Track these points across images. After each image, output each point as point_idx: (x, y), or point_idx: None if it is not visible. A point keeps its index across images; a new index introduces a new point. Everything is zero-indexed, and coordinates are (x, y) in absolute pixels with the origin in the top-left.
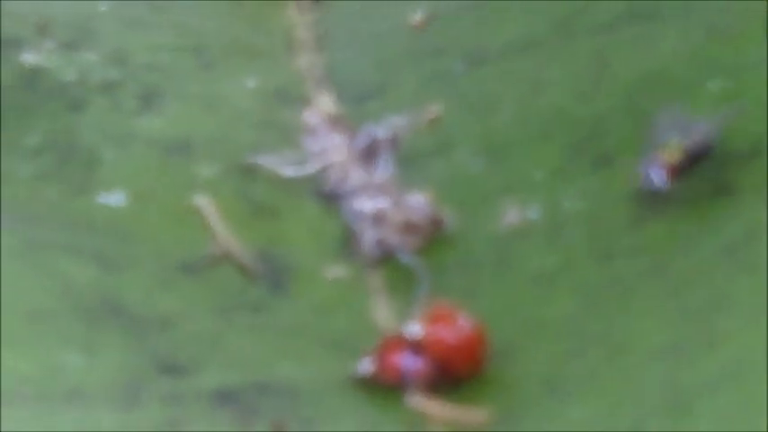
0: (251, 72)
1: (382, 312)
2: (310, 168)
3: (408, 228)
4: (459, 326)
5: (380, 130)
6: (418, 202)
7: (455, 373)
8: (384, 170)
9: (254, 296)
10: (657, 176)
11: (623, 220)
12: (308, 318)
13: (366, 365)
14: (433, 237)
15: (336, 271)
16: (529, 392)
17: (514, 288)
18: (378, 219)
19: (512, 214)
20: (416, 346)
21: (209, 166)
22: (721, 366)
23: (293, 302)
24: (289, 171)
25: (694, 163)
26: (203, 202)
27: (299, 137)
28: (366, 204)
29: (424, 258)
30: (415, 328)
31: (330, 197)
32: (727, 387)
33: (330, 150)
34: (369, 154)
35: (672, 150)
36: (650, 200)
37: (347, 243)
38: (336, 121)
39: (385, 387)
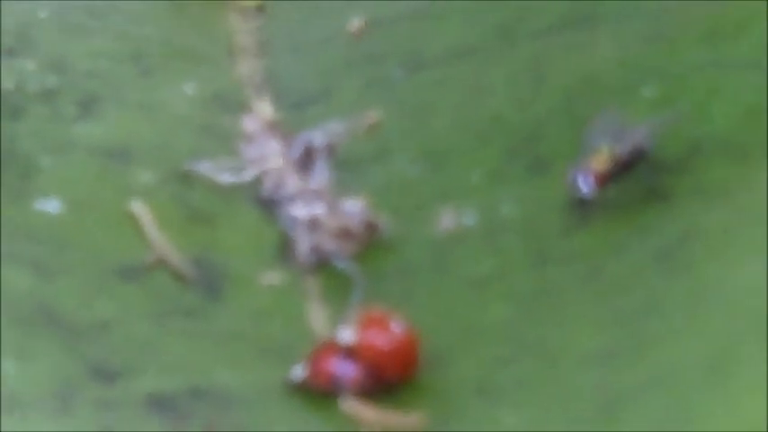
0: (190, 78)
1: (318, 318)
2: (247, 175)
3: (344, 234)
4: (391, 331)
5: (317, 137)
6: (354, 207)
7: (388, 379)
8: (320, 176)
9: (190, 302)
10: (585, 183)
11: (558, 226)
12: (244, 324)
13: (299, 371)
14: (369, 242)
15: (272, 277)
16: (461, 398)
17: (450, 293)
18: (313, 225)
19: (448, 220)
20: (349, 352)
21: (147, 173)
22: (652, 371)
23: (229, 308)
24: (226, 178)
25: (625, 169)
26: (140, 208)
27: (238, 143)
28: (302, 210)
29: (360, 264)
30: (348, 334)
31: (267, 204)
32: (658, 391)
33: (267, 157)
34: (306, 160)
35: (601, 157)
36: (580, 207)
37: (283, 249)
38: (275, 128)
39: (318, 392)
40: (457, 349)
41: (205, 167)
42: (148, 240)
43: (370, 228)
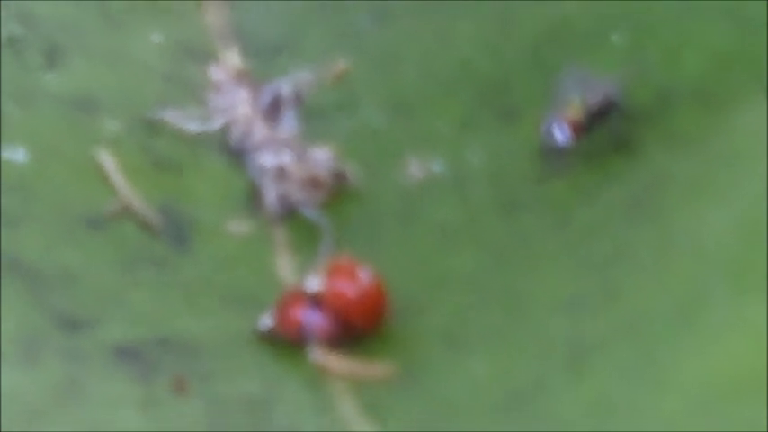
0: (158, 27)
1: (286, 267)
2: (215, 124)
3: (312, 183)
4: (358, 280)
5: (285, 86)
6: (322, 156)
7: (355, 327)
8: (288, 125)
9: (157, 251)
10: (560, 133)
11: (527, 174)
12: (211, 273)
13: (266, 320)
14: (336, 191)
15: (240, 226)
16: (429, 347)
17: (418, 242)
18: (281, 174)
19: (416, 168)
20: (316, 301)
21: (114, 122)
22: (621, 319)
23: (196, 257)
24: (193, 126)
25: (597, 120)
26: (106, 157)
27: (205, 93)
28: (269, 159)
29: (328, 213)
30: (315, 283)
31: (234, 153)
32: (627, 339)
33: (235, 106)
34: (273, 109)
35: (574, 107)
36: (553, 156)
37: (251, 198)
38: (242, 77)
39: (286, 341)
40: (425, 298)
41: (172, 116)
42: (115, 189)
43: (338, 177)
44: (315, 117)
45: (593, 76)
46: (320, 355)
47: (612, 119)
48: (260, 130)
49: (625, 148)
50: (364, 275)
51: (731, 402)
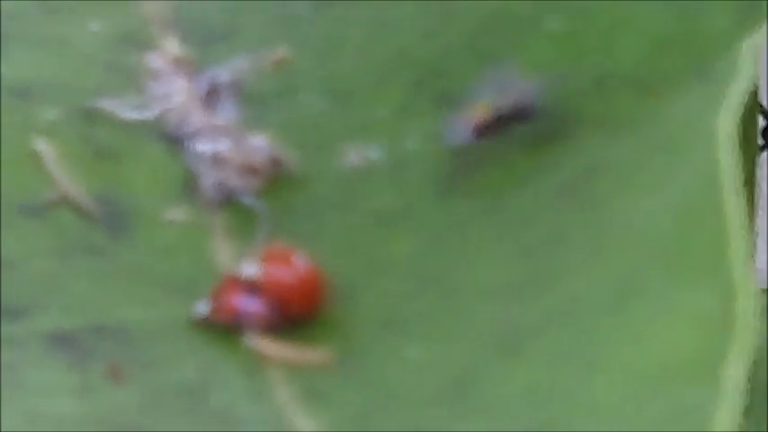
0: (97, 16)
1: (223, 254)
2: (153, 112)
3: (249, 169)
4: (294, 266)
5: (223, 73)
6: (259, 143)
7: (292, 314)
8: (226, 113)
9: (94, 239)
10: (460, 132)
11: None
12: (148, 260)
13: (203, 307)
14: (274, 178)
15: (177, 214)
16: (366, 333)
17: (355, 228)
18: (218, 161)
19: (354, 155)
20: (253, 287)
21: (52, 111)
22: (556, 304)
23: (133, 245)
24: (131, 115)
25: (506, 123)
26: (43, 145)
27: (144, 81)
28: (206, 147)
29: (266, 200)
30: (251, 269)
31: (172, 140)
32: (562, 324)
33: (173, 94)
34: (211, 97)
35: (481, 108)
36: (459, 155)
37: (188, 186)
38: (181, 65)
39: (222, 328)
40: (362, 284)
41: (110, 105)
42: (52, 178)
43: (276, 163)
44: (253, 104)
45: (513, 78)
46: (257, 342)
47: (526, 123)
48: (197, 118)
49: (562, 132)
50: (300, 262)
51: (665, 388)
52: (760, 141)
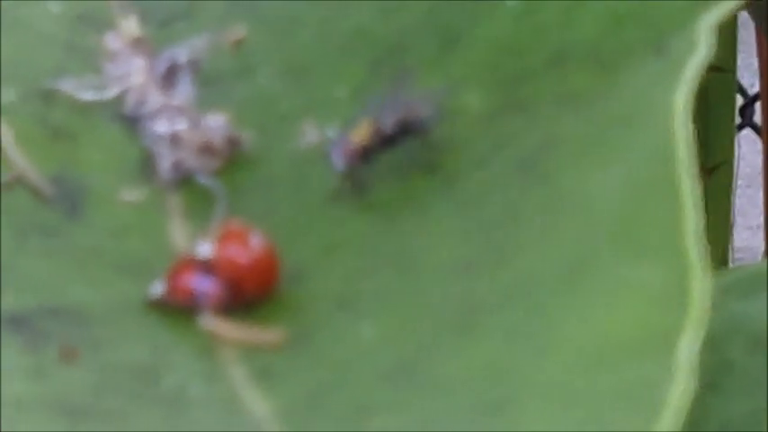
0: None
1: (179, 235)
2: (110, 92)
3: (206, 149)
4: (249, 245)
5: (181, 53)
6: (216, 123)
7: (247, 294)
8: (184, 93)
9: (49, 221)
10: (338, 158)
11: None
12: (104, 241)
13: (158, 288)
14: (231, 158)
15: (134, 194)
16: (322, 312)
17: (312, 207)
18: (175, 141)
19: (311, 134)
20: (208, 267)
21: (8, 91)
22: (511, 281)
23: (88, 226)
24: (88, 95)
25: (388, 144)
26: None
27: (102, 61)
28: (163, 127)
29: (223, 180)
30: (205, 248)
31: (129, 121)
32: (517, 301)
33: (131, 74)
34: (169, 77)
35: (363, 130)
36: (343, 179)
37: (145, 166)
38: (139, 45)
39: (178, 309)
40: (317, 263)
41: (67, 85)
42: (8, 159)
43: (233, 143)
44: (211, 84)
45: (400, 96)
46: (211, 322)
47: (413, 142)
48: (155, 98)
49: (518, 107)
50: (255, 241)
51: (618, 364)
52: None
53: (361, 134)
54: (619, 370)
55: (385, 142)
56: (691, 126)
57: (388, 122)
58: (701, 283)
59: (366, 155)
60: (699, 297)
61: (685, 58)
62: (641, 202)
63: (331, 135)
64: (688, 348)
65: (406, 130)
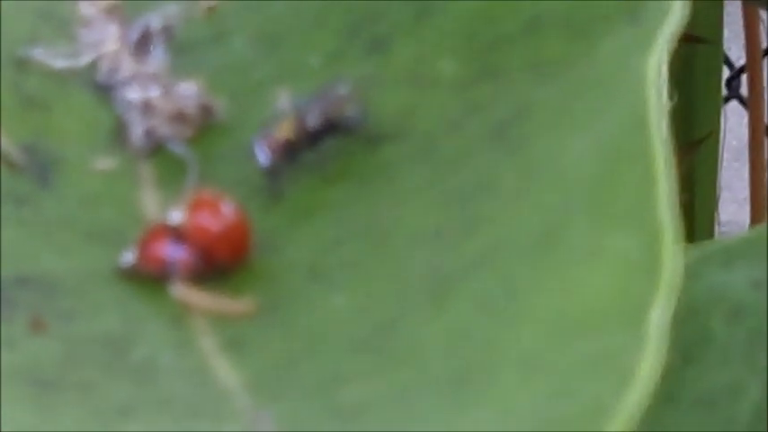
0: None
1: (151, 203)
2: (83, 60)
3: (179, 117)
4: (221, 213)
5: (154, 20)
6: (189, 90)
7: (218, 262)
8: (156, 60)
9: (20, 189)
10: (262, 154)
11: (394, 104)
12: (75, 210)
13: (129, 257)
14: (204, 126)
15: (106, 162)
16: (293, 281)
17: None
18: (147, 108)
19: (285, 102)
20: (179, 235)
21: None
22: (483, 249)
23: (59, 195)
24: (61, 63)
25: (312, 141)
26: None
27: (75, 28)
28: (136, 94)
29: (195, 148)
30: (177, 216)
31: (102, 88)
32: (489, 269)
33: (104, 41)
34: (142, 44)
35: (285, 126)
36: (268, 176)
37: (117, 134)
38: (112, 12)
39: (149, 278)
40: (288, 232)
41: (40, 54)
42: None
43: (206, 111)
44: (184, 51)
45: (326, 93)
46: (182, 291)
47: (340, 136)
48: (128, 66)
49: (491, 75)
50: (227, 209)
51: (589, 333)
52: (724, 92)
53: (284, 131)
54: (589, 339)
55: (309, 139)
56: (664, 93)
57: (312, 119)
58: (672, 251)
59: (289, 151)
60: (670, 265)
61: (659, 24)
62: (614, 169)
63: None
64: (659, 317)
65: (330, 128)
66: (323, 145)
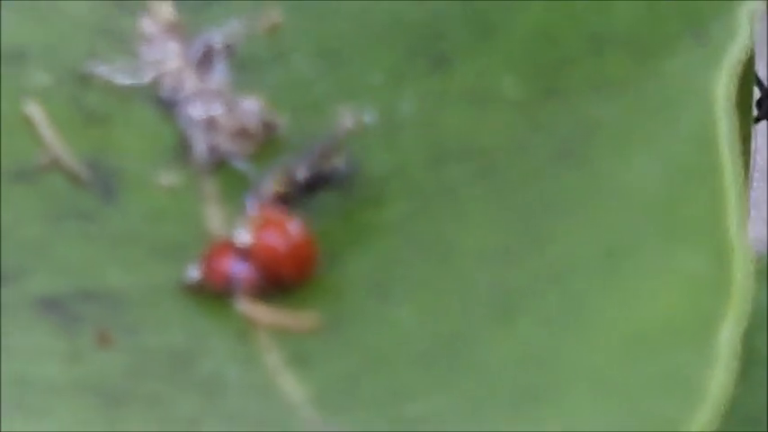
0: None
1: (214, 219)
2: (145, 77)
3: (242, 133)
4: (288, 232)
5: (216, 37)
6: (252, 107)
7: (284, 280)
8: (219, 77)
9: (84, 204)
10: (252, 206)
11: (457, 122)
12: (139, 225)
13: (193, 272)
14: (266, 142)
15: (169, 178)
16: (357, 298)
17: (348, 192)
18: (210, 125)
19: (347, 119)
20: (245, 252)
21: (43, 75)
22: (548, 267)
23: (124, 210)
24: (123, 79)
25: (306, 192)
26: (34, 110)
27: (137, 45)
28: (199, 111)
29: (258, 164)
30: (244, 234)
31: (165, 105)
32: (554, 289)
33: (166, 58)
34: (204, 61)
35: (279, 180)
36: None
37: (180, 150)
38: (173, 29)
39: (213, 293)
40: (353, 248)
41: (102, 69)
42: (43, 142)
43: (268, 127)
44: (246, 68)
45: (316, 147)
46: (247, 306)
47: (333, 190)
48: (190, 82)
49: (555, 94)
50: (294, 228)
51: (658, 352)
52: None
53: (276, 185)
54: (659, 357)
55: (300, 192)
56: (733, 112)
57: (303, 172)
58: (743, 269)
59: (281, 205)
60: (741, 283)
61: (726, 44)
62: (683, 188)
63: (367, 120)
64: (729, 335)
65: (321, 181)
66: (317, 199)
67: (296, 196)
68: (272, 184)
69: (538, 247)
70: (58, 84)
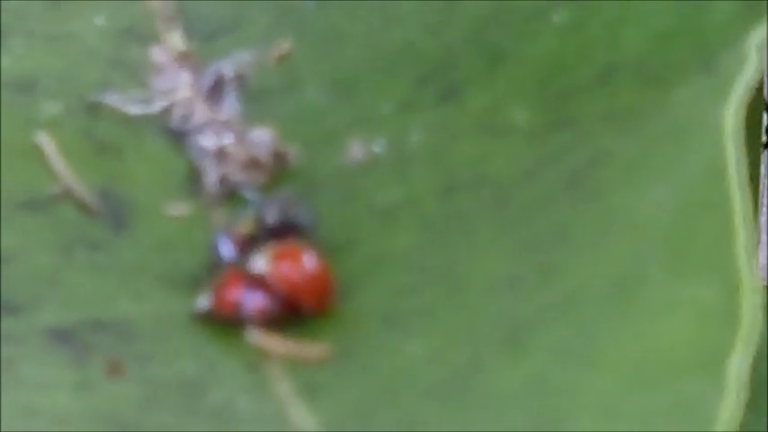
0: (101, 10)
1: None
2: (156, 106)
3: (252, 164)
4: (304, 263)
5: (227, 67)
6: (263, 137)
7: (299, 311)
8: (230, 107)
9: (95, 234)
10: (225, 247)
11: (468, 152)
12: (150, 255)
13: (204, 301)
14: (277, 173)
15: (179, 208)
16: (367, 328)
17: (358, 223)
18: (221, 155)
19: (357, 149)
20: (258, 282)
21: (54, 105)
22: (558, 298)
23: (134, 240)
24: (134, 109)
25: (273, 237)
26: (45, 139)
27: (148, 75)
28: (210, 141)
29: (269, 194)
30: (260, 264)
31: (175, 135)
32: (564, 318)
33: (176, 88)
34: (215, 91)
35: (247, 223)
36: (214, 269)
37: (191, 180)
38: (185, 59)
39: (224, 323)
40: (364, 278)
41: (113, 99)
42: (54, 172)
43: (279, 157)
44: (256, 98)
45: (280, 196)
46: (257, 336)
47: (297, 238)
48: (201, 112)
49: (566, 124)
50: (310, 260)
51: (668, 381)
52: (764, 138)
53: (245, 227)
54: (668, 387)
55: (269, 235)
56: (742, 142)
57: (271, 216)
58: (751, 300)
59: (251, 246)
60: (749, 314)
61: (735, 74)
62: (692, 219)
63: (377, 150)
64: (738, 366)
65: (287, 226)
66: (278, 242)
67: (265, 239)
68: (243, 227)
69: (549, 278)
70: (68, 113)
